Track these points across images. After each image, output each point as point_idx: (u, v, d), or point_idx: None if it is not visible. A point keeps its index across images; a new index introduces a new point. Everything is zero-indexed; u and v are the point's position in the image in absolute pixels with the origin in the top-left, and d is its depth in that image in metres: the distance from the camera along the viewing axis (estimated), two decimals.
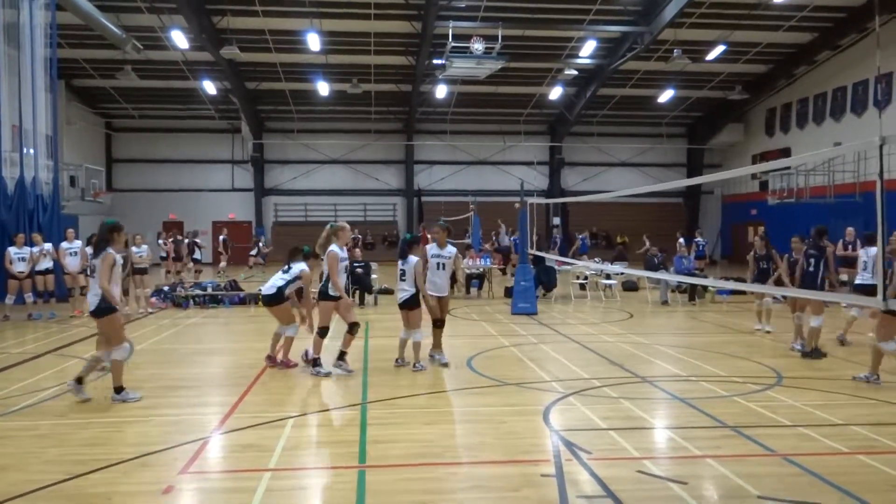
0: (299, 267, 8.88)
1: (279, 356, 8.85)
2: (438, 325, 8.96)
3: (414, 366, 8.65)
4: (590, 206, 33.86)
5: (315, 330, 8.56)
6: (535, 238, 17.79)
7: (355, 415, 6.63)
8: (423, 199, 34.69)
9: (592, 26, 24.69)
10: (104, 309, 6.97)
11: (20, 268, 13.30)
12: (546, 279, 16.50)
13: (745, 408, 6.84)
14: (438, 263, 8.93)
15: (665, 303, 15.97)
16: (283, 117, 33.77)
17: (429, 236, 10.70)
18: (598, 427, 6.20)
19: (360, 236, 27.80)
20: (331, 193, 34.55)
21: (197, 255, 22.05)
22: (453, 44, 21.93)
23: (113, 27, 21.67)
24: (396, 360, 8.96)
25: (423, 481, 4.97)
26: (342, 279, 8.47)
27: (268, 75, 29.15)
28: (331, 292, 8.34)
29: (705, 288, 16.36)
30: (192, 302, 15.43)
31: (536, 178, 34.58)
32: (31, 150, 17.03)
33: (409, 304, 8.68)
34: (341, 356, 8.53)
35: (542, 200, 26.56)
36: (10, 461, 5.27)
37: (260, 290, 8.61)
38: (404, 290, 8.65)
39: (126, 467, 5.13)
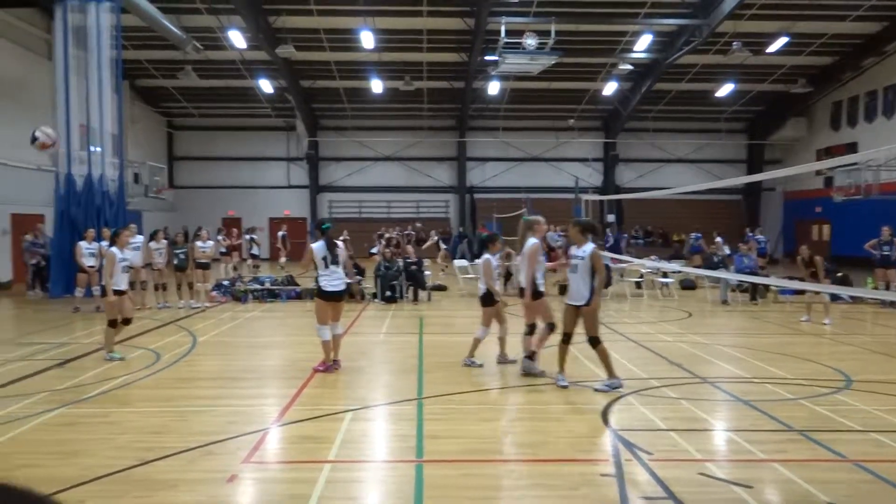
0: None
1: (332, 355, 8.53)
2: (565, 339, 7.59)
3: (463, 361, 8.64)
4: (645, 203, 33.28)
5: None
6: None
7: (411, 410, 6.66)
8: (476, 195, 34.66)
9: (648, 20, 24.22)
10: None
11: (90, 262, 13.81)
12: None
13: (812, 411, 6.62)
14: (576, 265, 7.57)
15: (725, 302, 15.57)
16: (337, 115, 34.18)
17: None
18: (657, 427, 6.09)
19: (412, 233, 27.97)
20: (384, 190, 34.84)
21: (254, 250, 22.51)
22: (506, 39, 21.83)
23: (174, 28, 22.28)
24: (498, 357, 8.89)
25: (480, 477, 4.97)
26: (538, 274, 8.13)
27: (322, 73, 29.53)
28: (540, 288, 8.05)
29: (767, 287, 15.90)
30: (250, 296, 15.77)
31: (591, 175, 34.19)
32: (98, 149, 17.66)
33: (482, 301, 8.71)
34: (531, 355, 8.22)
35: (597, 197, 26.20)
36: (83, 446, 5.48)
37: (322, 286, 8.40)
38: (480, 289, 8.63)
39: (191, 455, 5.27)
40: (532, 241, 8.03)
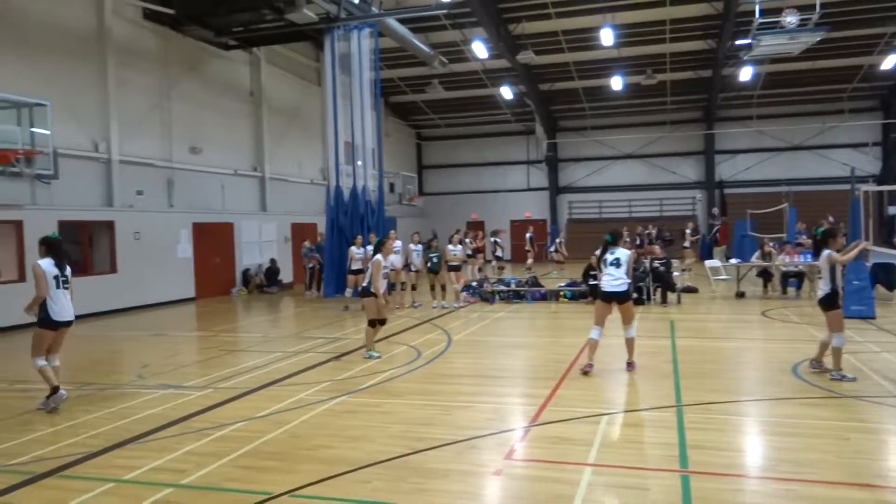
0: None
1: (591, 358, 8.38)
2: None
3: (830, 374, 7.70)
4: None
5: None
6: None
7: (670, 417, 6.39)
8: (726, 191, 32.38)
9: None
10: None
11: (358, 265, 15.29)
12: (885, 277, 14.26)
13: None
14: None
15: None
16: (575, 115, 34.08)
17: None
18: None
19: (652, 231, 26.89)
20: (625, 189, 33.99)
21: (498, 252, 23.23)
22: (761, 20, 20.02)
23: (423, 46, 23.84)
24: (811, 361, 8.09)
25: (754, 495, 4.62)
26: None
27: (561, 75, 29.64)
28: None
29: None
30: (497, 297, 16.30)
31: (870, 162, 30.15)
32: (360, 162, 19.47)
33: (825, 304, 7.81)
34: None
35: (876, 188, 23.02)
36: (363, 433, 6.07)
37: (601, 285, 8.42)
38: (821, 290, 7.86)
39: (458, 448, 5.58)
40: None
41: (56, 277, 7.22)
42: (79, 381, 8.60)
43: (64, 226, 15.00)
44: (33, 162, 12.40)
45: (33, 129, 12.52)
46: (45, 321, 7.18)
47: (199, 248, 19.20)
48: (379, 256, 9.84)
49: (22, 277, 13.49)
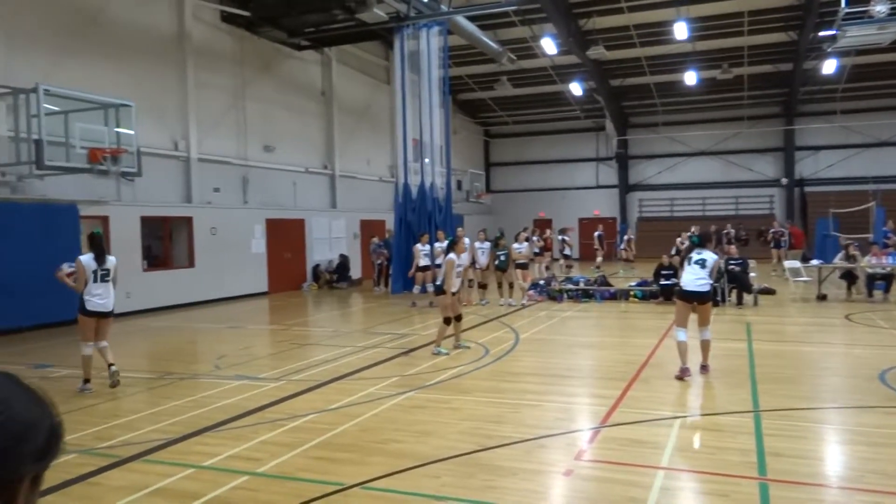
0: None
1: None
2: None
3: None
4: None
5: None
6: None
7: (747, 422, 6.17)
8: (807, 189, 31.04)
9: None
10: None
11: (425, 262, 15.40)
12: None
13: None
14: None
15: None
16: (647, 111, 33.34)
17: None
18: None
19: (731, 231, 26.06)
20: (698, 187, 33.03)
21: (566, 251, 22.97)
22: (847, 10, 19.09)
23: (491, 43, 23.76)
24: None
25: None
26: None
27: (632, 71, 29.03)
28: None
29: None
30: (565, 296, 16.12)
31: None
32: (428, 160, 19.57)
33: None
34: None
35: None
36: (432, 428, 6.11)
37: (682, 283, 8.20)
38: None
39: (527, 446, 5.55)
40: None
41: (95, 272, 7.73)
42: (160, 370, 8.98)
43: (145, 221, 15.69)
44: (119, 160, 12.96)
45: (118, 129, 13.08)
46: (82, 310, 7.79)
47: (272, 244, 19.72)
48: (452, 255, 9.87)
49: None
